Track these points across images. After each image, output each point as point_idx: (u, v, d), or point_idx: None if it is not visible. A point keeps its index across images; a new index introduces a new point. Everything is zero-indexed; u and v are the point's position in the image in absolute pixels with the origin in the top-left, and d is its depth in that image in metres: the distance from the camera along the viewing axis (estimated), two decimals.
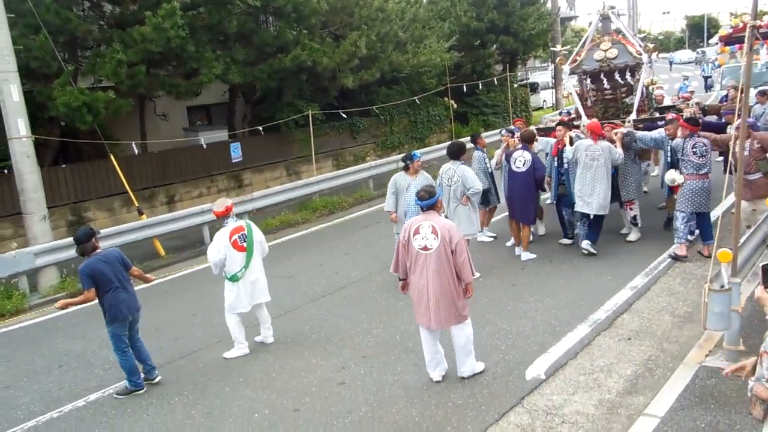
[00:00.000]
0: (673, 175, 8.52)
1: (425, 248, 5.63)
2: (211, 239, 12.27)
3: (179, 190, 15.34)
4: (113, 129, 14.19)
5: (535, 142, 9.60)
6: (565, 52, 11.83)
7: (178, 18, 12.45)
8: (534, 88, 30.67)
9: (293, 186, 15.01)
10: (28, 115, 10.73)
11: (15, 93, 10.39)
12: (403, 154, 9.31)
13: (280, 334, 7.58)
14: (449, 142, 9.05)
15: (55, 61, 11.75)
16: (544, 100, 31.17)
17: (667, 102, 14.12)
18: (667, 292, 7.64)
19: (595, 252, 8.97)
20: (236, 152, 16.42)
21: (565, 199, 9.50)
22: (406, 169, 8.67)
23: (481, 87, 22.92)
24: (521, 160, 9.18)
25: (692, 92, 15.94)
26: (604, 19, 11.13)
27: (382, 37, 17.71)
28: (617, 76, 10.63)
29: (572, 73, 11.11)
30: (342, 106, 18.64)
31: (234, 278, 7.00)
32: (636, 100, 10.57)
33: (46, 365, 7.49)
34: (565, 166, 9.35)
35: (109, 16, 13.66)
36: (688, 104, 11.99)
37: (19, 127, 10.48)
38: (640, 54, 10.30)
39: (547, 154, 9.91)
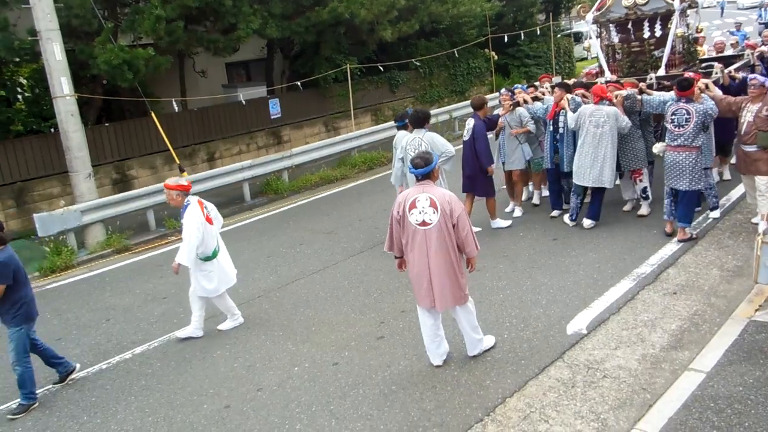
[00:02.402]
0: (658, 147, 7.69)
1: (424, 223, 5.11)
2: (251, 197, 12.59)
3: (219, 147, 15.46)
4: (154, 87, 14.30)
5: (486, 108, 8.67)
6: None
7: None
8: (578, 37, 29.65)
9: (332, 142, 14.95)
10: (71, 73, 10.87)
11: (57, 52, 10.50)
12: (399, 114, 8.84)
13: (320, 289, 7.62)
14: (413, 110, 8.29)
15: (95, 19, 11.80)
16: (588, 50, 30.05)
17: (727, 52, 12.31)
18: (715, 246, 7.39)
19: (595, 222, 8.28)
20: (275, 108, 16.42)
21: (557, 169, 8.67)
22: (405, 127, 8.35)
23: (522, 38, 22.26)
24: (467, 128, 8.54)
25: (735, 43, 13.55)
26: None
27: None
28: (646, 26, 9.66)
29: (596, 22, 10.09)
30: (380, 59, 18.36)
31: (214, 254, 6.60)
32: (666, 53, 9.46)
33: (94, 319, 7.72)
34: (560, 131, 8.46)
35: None
36: (745, 54, 10.57)
37: (63, 86, 10.62)
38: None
39: (540, 118, 8.89)
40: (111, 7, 13.24)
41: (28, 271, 9.76)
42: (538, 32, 22.85)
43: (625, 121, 7.88)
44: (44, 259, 9.98)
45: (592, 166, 7.98)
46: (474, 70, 21.86)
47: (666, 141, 7.49)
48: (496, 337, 5.86)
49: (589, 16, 10.01)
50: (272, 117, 16.39)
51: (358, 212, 10.83)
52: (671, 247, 7.32)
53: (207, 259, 6.53)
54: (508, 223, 8.81)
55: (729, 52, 11.88)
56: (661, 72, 9.31)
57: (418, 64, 19.29)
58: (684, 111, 7.24)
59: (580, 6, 10.58)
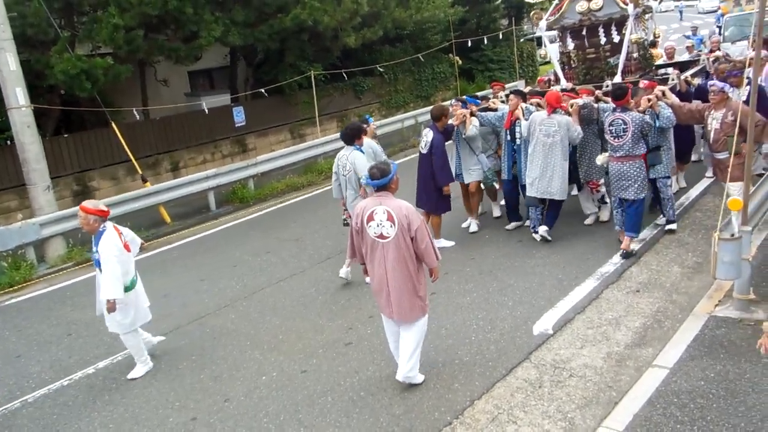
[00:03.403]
0: (601, 158, 7.47)
1: (381, 236, 4.94)
2: (216, 206, 12.44)
3: (183, 156, 15.25)
4: (114, 96, 14.05)
5: (444, 119, 8.20)
6: (539, 3, 10.37)
7: None
8: (541, 42, 30.04)
9: (297, 149, 14.87)
10: (27, 84, 10.62)
11: (11, 62, 10.25)
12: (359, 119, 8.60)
13: (287, 297, 7.56)
14: (345, 126, 7.89)
15: (51, 28, 11.58)
16: (543, 58, 30.45)
17: (684, 57, 12.50)
18: (676, 244, 7.53)
19: (550, 239, 7.93)
20: (239, 116, 16.27)
21: (514, 181, 8.43)
22: (363, 132, 7.96)
23: (486, 42, 22.46)
24: (424, 140, 8.14)
25: (691, 47, 13.53)
26: None
27: None
28: (601, 32, 9.37)
29: (550, 29, 9.82)
30: (345, 66, 18.35)
31: (132, 285, 6.04)
32: (621, 59, 9.25)
33: (55, 334, 7.53)
34: (518, 142, 8.16)
35: None
36: (701, 59, 10.63)
37: (18, 97, 10.37)
38: (627, 4, 9.04)
39: (495, 126, 8.56)
40: (68, 15, 12.99)
41: None
42: (501, 37, 23.12)
43: (577, 132, 7.60)
44: (2, 275, 9.70)
45: (541, 176, 7.69)
46: (439, 75, 21.99)
47: (608, 152, 7.36)
48: (463, 339, 5.87)
49: (543, 23, 9.76)
50: (237, 125, 16.24)
51: (325, 219, 10.78)
52: (633, 246, 7.43)
53: (124, 290, 5.86)
54: (451, 243, 8.36)
55: (685, 56, 11.93)
56: (617, 79, 9.10)
57: (382, 70, 19.33)
58: (620, 121, 7.07)
59: (533, 13, 10.26)
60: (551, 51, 9.94)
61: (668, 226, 7.84)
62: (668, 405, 4.47)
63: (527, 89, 10.29)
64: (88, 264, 10.26)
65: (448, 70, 22.12)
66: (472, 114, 8.34)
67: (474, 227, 8.86)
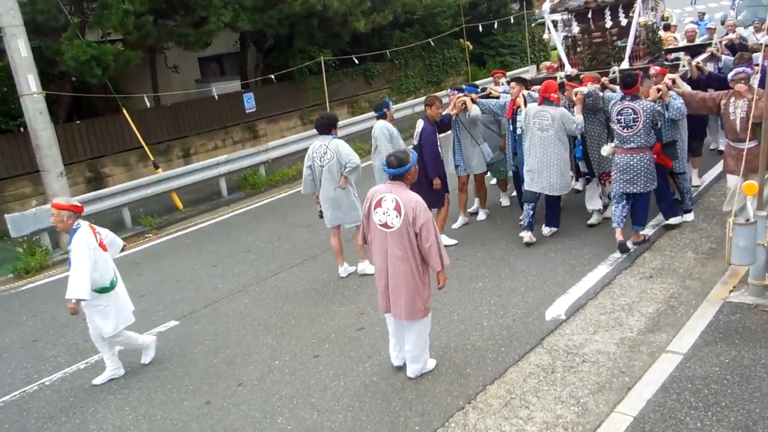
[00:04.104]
0: (607, 149, 7.07)
1: (386, 225, 4.83)
2: (228, 193, 12.47)
3: (194, 142, 15.27)
4: (125, 83, 14.04)
5: (433, 109, 7.77)
6: None
7: None
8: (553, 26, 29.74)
9: (308, 135, 14.76)
10: (38, 70, 10.62)
11: (23, 48, 10.26)
12: (376, 104, 8.33)
13: (299, 282, 7.59)
14: (319, 116, 7.58)
15: (62, 14, 11.57)
16: (547, 43, 30.12)
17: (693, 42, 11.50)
18: (690, 229, 7.48)
19: (554, 230, 7.78)
20: (249, 102, 16.25)
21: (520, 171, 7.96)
22: (383, 117, 8.00)
23: (497, 27, 22.26)
24: (417, 132, 7.82)
25: (711, 29, 12.74)
26: None
27: None
28: (608, 15, 8.90)
29: (554, 11, 9.34)
30: (355, 51, 18.24)
31: (112, 286, 5.74)
32: (629, 44, 8.76)
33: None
34: (518, 132, 7.76)
35: None
36: (713, 43, 10.00)
37: (30, 83, 10.39)
38: None
39: (496, 114, 8.30)
40: (77, 2, 12.97)
41: (1, 273, 9.77)
42: (512, 21, 22.89)
43: (576, 123, 7.16)
44: (18, 261, 9.80)
45: (539, 171, 7.32)
46: (449, 60, 21.83)
47: (615, 143, 6.97)
48: (474, 325, 5.88)
49: (546, 6, 9.35)
50: (247, 111, 16.23)
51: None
52: (647, 231, 7.38)
53: (102, 290, 5.65)
54: (454, 242, 7.98)
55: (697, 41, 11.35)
56: (625, 64, 8.71)
57: (392, 55, 19.21)
58: (630, 110, 6.71)
59: None
60: (554, 36, 9.48)
61: (685, 216, 7.64)
62: (682, 391, 4.47)
63: (530, 77, 10.03)
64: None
65: (458, 55, 21.96)
66: (473, 101, 8.04)
67: (482, 215, 8.77)
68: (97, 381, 5.87)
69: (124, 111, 12.44)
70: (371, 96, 19.28)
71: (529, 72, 17.44)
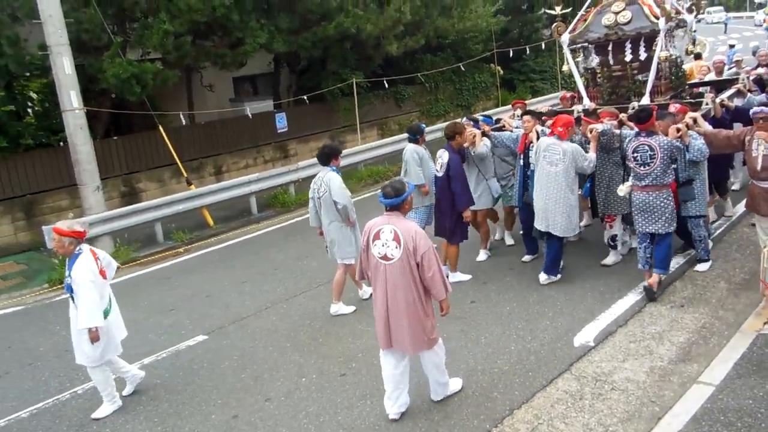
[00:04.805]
0: (624, 188, 6.70)
1: (385, 257, 4.69)
2: (258, 210, 12.64)
3: (226, 160, 15.53)
4: (161, 101, 14.39)
5: (459, 138, 7.55)
6: (561, 17, 9.29)
7: None
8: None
9: None
10: (80, 87, 10.97)
11: (67, 66, 10.62)
12: (411, 127, 8.34)
13: (327, 300, 7.63)
14: (322, 145, 7.53)
15: (105, 34, 11.93)
16: (566, 75, 29.96)
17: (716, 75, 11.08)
18: (722, 259, 7.38)
19: (553, 279, 7.27)
20: (281, 122, 16.50)
21: (529, 208, 7.52)
22: (416, 141, 8.02)
23: (528, 52, 22.35)
24: (440, 163, 7.43)
25: (739, 62, 12.29)
26: None
27: (426, 2, 17.42)
28: (628, 48, 8.57)
29: (573, 43, 9.01)
30: (386, 74, 18.46)
31: (105, 314, 5.54)
32: (650, 78, 8.40)
33: None
34: (531, 167, 7.44)
35: None
36: (740, 78, 9.52)
37: (72, 100, 10.73)
38: (658, 18, 8.21)
39: (509, 148, 8.01)
40: (120, 22, 13.38)
41: (37, 283, 10.00)
42: (543, 47, 22.96)
43: (588, 161, 6.85)
44: (53, 271, 10.03)
45: (544, 208, 7.02)
46: (480, 84, 21.94)
47: (631, 181, 6.64)
48: (501, 348, 5.86)
49: (565, 37, 9.02)
50: (279, 131, 16.48)
51: (364, 226, 10.85)
52: (677, 260, 7.30)
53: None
54: (468, 277, 7.72)
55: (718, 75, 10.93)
56: (645, 100, 8.38)
57: (423, 78, 19.36)
58: (647, 147, 6.38)
59: (555, 25, 9.37)
60: (572, 68, 9.14)
61: (698, 266, 7.16)
62: (714, 423, 4.40)
63: (545, 109, 9.69)
64: (133, 263, 10.59)
65: (489, 80, 22.06)
66: (484, 134, 7.82)
67: (483, 256, 8.31)
68: (96, 415, 5.66)
69: (161, 128, 12.73)
70: (401, 118, 19.45)
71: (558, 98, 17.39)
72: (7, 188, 12.12)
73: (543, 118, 8.02)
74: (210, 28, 13.68)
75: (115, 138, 13.95)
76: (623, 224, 7.65)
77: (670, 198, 6.51)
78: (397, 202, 4.74)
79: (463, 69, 20.33)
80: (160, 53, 13.05)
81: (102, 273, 5.57)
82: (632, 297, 6.62)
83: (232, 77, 17.33)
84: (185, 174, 12.91)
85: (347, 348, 6.35)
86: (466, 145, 7.65)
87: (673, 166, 6.63)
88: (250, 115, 14.98)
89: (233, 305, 7.97)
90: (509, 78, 23.07)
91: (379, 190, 4.84)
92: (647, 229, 6.57)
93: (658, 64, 8.50)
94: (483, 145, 7.71)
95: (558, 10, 9.37)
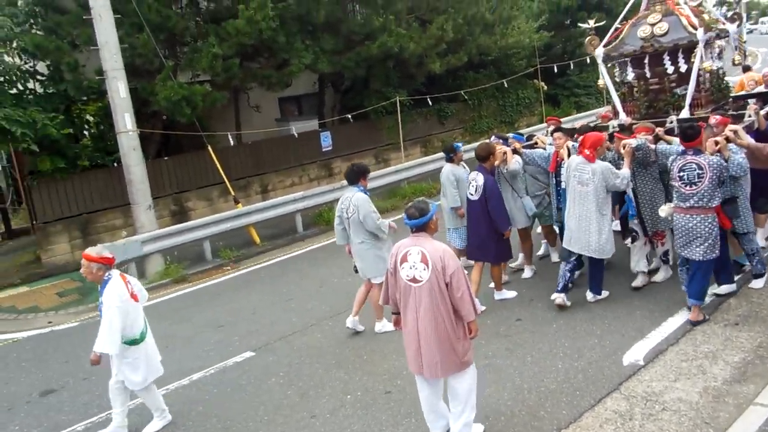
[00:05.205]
0: (665, 209, 6.41)
1: (414, 280, 4.54)
2: (303, 228, 12.79)
3: (272, 179, 15.82)
4: (210, 122, 14.80)
5: (493, 159, 7.37)
6: (594, 30, 8.94)
7: (269, 10, 12.87)
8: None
9: (382, 173, 15.11)
10: (134, 110, 11.39)
11: (122, 89, 11.05)
12: (445, 147, 8.31)
13: (372, 318, 7.66)
14: (350, 165, 7.45)
15: (157, 58, 12.37)
16: (600, 90, 29.43)
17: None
18: None
19: (600, 297, 7.10)
20: (326, 141, 16.75)
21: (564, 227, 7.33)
22: (450, 161, 8.06)
23: (572, 67, 22.18)
24: (474, 185, 7.25)
25: None
26: None
27: (469, 20, 17.52)
28: (666, 60, 8.23)
29: (608, 58, 8.73)
30: (429, 91, 18.57)
31: (142, 338, 5.61)
32: (690, 91, 8.07)
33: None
34: (562, 185, 7.24)
35: (204, 11, 14.24)
36: None
37: (126, 122, 11.14)
38: (696, 29, 7.89)
39: (540, 167, 7.83)
40: (171, 46, 13.86)
41: (91, 299, 10.33)
42: (588, 61, 22.70)
43: (620, 178, 6.57)
44: None
45: (578, 229, 6.77)
46: (523, 100, 21.85)
47: (675, 201, 6.30)
48: (548, 367, 5.78)
49: (599, 51, 8.74)
50: (323, 149, 16.73)
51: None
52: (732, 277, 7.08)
53: (133, 343, 5.52)
54: (513, 293, 7.64)
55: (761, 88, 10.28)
56: (685, 113, 8.05)
57: (466, 96, 19.39)
58: (695, 166, 6.01)
59: (588, 38, 9.08)
60: (606, 79, 8.84)
61: (753, 283, 6.85)
62: None
63: (578, 125, 9.39)
64: (183, 281, 10.84)
65: (532, 96, 21.95)
66: (515, 151, 7.66)
67: (528, 272, 8.20)
68: (147, 430, 5.77)
69: (209, 148, 13.07)
70: (444, 136, 19.50)
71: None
72: (64, 207, 12.63)
73: (575, 135, 7.78)
74: (257, 50, 14.06)
75: (166, 158, 14.39)
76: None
77: (716, 223, 6.11)
78: (422, 222, 4.60)
79: (506, 85, 20.29)
80: (209, 75, 13.47)
81: (134, 297, 5.56)
82: (683, 315, 6.44)
83: (278, 98, 17.71)
84: (233, 193, 13.21)
85: (392, 365, 6.35)
86: (497, 163, 7.46)
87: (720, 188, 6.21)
88: (295, 135, 15.27)
89: (279, 322, 8.08)
90: (553, 93, 22.91)
91: (403, 212, 4.71)
92: (686, 254, 6.23)
93: (698, 76, 8.19)
94: (515, 162, 7.55)
95: (591, 23, 9.16)
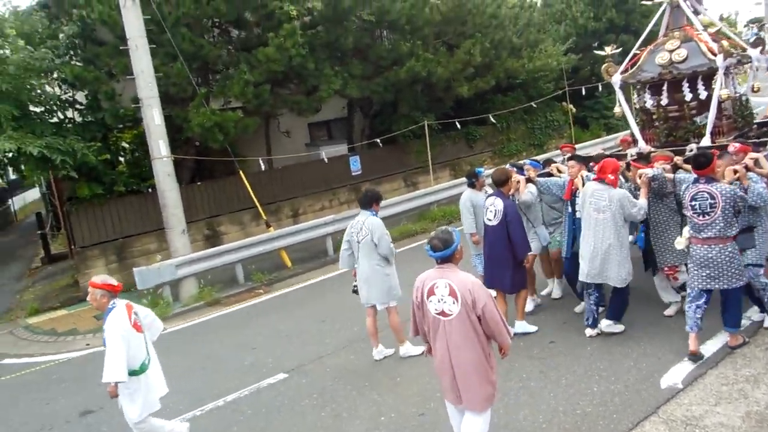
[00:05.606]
0: (681, 242, 6.24)
1: (443, 313, 4.41)
2: (334, 251, 12.88)
3: (303, 203, 15.99)
4: (242, 147, 15.07)
5: (511, 184, 7.21)
6: (610, 57, 8.91)
7: (298, 37, 13.14)
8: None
9: (411, 196, 15.18)
10: (168, 136, 11.66)
11: (157, 116, 11.34)
12: (467, 172, 8.30)
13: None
14: (364, 190, 7.47)
15: (190, 86, 12.67)
16: (618, 118, 29.08)
17: None
18: None
19: (619, 330, 6.81)
20: (356, 165, 16.90)
21: (576, 259, 7.03)
22: (472, 186, 8.05)
23: (601, 89, 22.10)
24: (492, 211, 7.03)
25: None
26: (675, 7, 8.48)
27: (496, 44, 17.64)
28: (686, 87, 8.15)
29: (625, 84, 8.67)
30: (457, 115, 18.65)
31: (142, 369, 5.37)
32: (710, 118, 7.97)
33: (189, 367, 8.05)
34: (578, 214, 6.97)
35: (235, 40, 14.55)
36: None
37: (161, 148, 11.41)
38: (716, 55, 7.80)
39: (555, 196, 7.57)
40: (204, 74, 14.19)
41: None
42: None
43: (637, 207, 6.39)
44: None
45: (592, 257, 6.56)
46: (552, 123, 21.80)
47: (690, 232, 6.06)
48: (584, 389, 5.72)
49: (616, 78, 8.68)
50: (353, 173, 16.88)
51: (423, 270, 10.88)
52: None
53: (132, 373, 5.29)
54: (534, 328, 7.31)
55: None
56: (706, 141, 7.93)
57: (494, 119, 19.44)
58: (706, 195, 5.82)
59: (605, 65, 9.04)
60: (625, 109, 8.76)
61: (755, 316, 6.58)
62: None
63: (594, 153, 9.24)
64: (217, 304, 10.97)
65: (561, 118, 21.90)
66: (529, 180, 7.53)
67: (530, 305, 7.77)
68: None
69: (241, 173, 13.29)
70: (473, 159, 19.52)
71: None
72: (101, 232, 12.92)
73: (590, 163, 7.55)
74: (287, 76, 14.32)
75: (199, 183, 14.65)
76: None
77: (735, 252, 5.89)
78: (447, 253, 4.43)
79: (534, 108, 20.29)
80: (240, 102, 13.73)
81: (136, 327, 5.42)
82: (723, 337, 6.32)
83: (308, 123, 17.95)
84: (264, 217, 13.37)
85: (424, 387, 6.34)
86: (510, 192, 7.27)
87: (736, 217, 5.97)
88: (325, 159, 15.45)
89: (312, 344, 8.12)
90: (582, 116, 22.82)
91: (426, 243, 4.57)
92: (708, 286, 5.93)
93: (719, 103, 8.04)
94: (528, 192, 7.44)
95: (608, 50, 9.11)
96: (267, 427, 6.08)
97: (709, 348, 6.16)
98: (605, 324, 6.80)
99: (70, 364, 9.07)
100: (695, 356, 5.97)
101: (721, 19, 23.43)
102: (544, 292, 8.41)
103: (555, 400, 5.65)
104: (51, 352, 9.75)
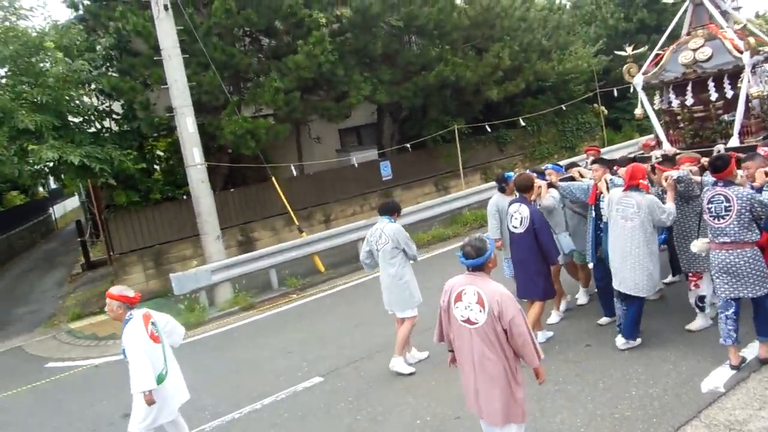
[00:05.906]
0: (698, 245, 6.04)
1: (469, 321, 4.28)
2: None
3: (334, 208, 16.10)
4: (273, 154, 15.24)
5: (537, 191, 7.11)
6: (632, 58, 8.72)
7: (327, 44, 13.28)
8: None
9: (442, 201, 15.17)
10: (201, 144, 11.87)
11: (190, 125, 11.54)
12: (497, 177, 8.10)
13: (439, 345, 7.67)
14: (385, 199, 7.40)
15: (222, 94, 12.89)
16: (640, 119, 28.66)
17: None
18: None
19: (635, 343, 6.59)
20: (386, 170, 16.97)
21: (603, 264, 6.91)
22: (502, 191, 7.77)
23: (632, 90, 21.80)
24: (517, 218, 6.88)
25: None
26: (698, 5, 8.33)
27: (525, 47, 17.58)
28: (711, 86, 7.92)
29: (648, 86, 8.49)
30: (487, 119, 18.61)
31: (159, 380, 5.25)
32: (738, 118, 7.72)
33: (226, 371, 8.17)
34: (604, 219, 6.79)
35: (266, 48, 14.78)
36: None
37: (195, 156, 11.61)
38: (742, 53, 7.61)
39: (578, 200, 7.39)
40: (235, 82, 14.41)
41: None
42: None
43: (666, 213, 6.15)
44: (179, 316, 10.67)
45: (621, 267, 6.37)
46: (583, 125, 21.61)
47: (709, 236, 5.88)
48: (622, 392, 5.66)
49: (638, 78, 8.52)
50: (384, 179, 16.95)
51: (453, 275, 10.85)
52: None
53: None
54: (550, 334, 7.28)
55: None
56: (734, 141, 7.69)
57: (525, 122, 19.34)
58: (722, 197, 5.63)
59: (626, 65, 8.88)
60: (648, 110, 8.53)
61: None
62: None
63: (618, 157, 8.93)
64: (251, 309, 11.11)
65: (592, 120, 21.69)
66: (551, 185, 7.39)
67: (555, 317, 7.73)
68: None
69: (273, 180, 13.45)
70: (504, 162, 19.45)
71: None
72: (138, 239, 13.19)
73: (614, 167, 7.41)
74: (317, 83, 14.47)
75: (232, 190, 14.86)
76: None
77: (757, 257, 5.60)
78: (480, 262, 4.30)
79: (565, 110, 20.14)
80: (271, 109, 13.93)
81: (153, 337, 5.36)
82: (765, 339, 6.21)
83: (338, 129, 18.09)
84: (297, 222, 13.51)
85: (460, 391, 6.28)
86: (532, 198, 7.09)
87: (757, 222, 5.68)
88: (355, 165, 15.56)
89: (347, 348, 8.18)
90: (614, 117, 22.60)
91: (459, 250, 4.44)
92: (734, 295, 5.67)
93: (747, 101, 7.82)
94: (549, 197, 7.29)
95: (629, 50, 8.96)
96: (304, 430, 6.14)
97: (751, 351, 6.04)
98: (620, 342, 6.61)
99: (111, 367, 9.26)
100: (737, 369, 5.78)
101: (758, 16, 22.96)
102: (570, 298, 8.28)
103: (593, 403, 5.60)
104: (93, 356, 9.99)
